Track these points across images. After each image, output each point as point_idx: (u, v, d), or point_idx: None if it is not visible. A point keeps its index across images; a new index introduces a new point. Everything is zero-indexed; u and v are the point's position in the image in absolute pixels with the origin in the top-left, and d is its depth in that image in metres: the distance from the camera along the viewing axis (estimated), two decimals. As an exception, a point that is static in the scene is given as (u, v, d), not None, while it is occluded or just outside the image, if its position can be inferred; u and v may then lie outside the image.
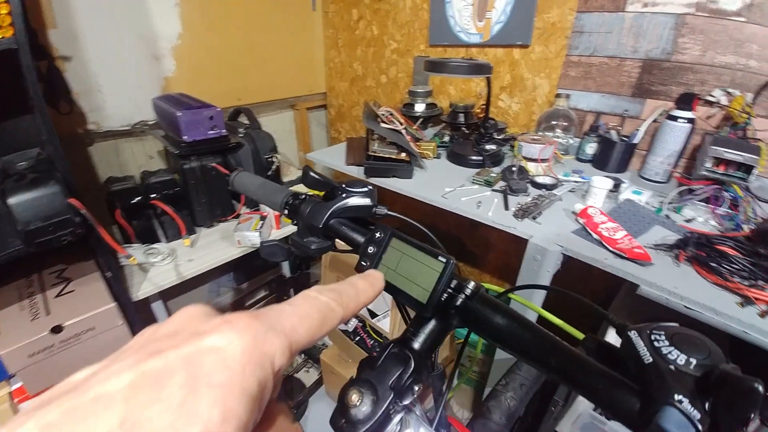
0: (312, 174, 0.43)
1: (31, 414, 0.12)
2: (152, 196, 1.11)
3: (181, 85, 1.44)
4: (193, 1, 1.40)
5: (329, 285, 0.22)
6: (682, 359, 0.22)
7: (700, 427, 0.20)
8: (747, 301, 0.62)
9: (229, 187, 0.56)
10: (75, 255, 1.04)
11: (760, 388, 0.19)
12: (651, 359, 0.23)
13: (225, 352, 0.14)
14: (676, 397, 0.20)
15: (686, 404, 0.20)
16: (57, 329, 0.84)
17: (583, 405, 0.81)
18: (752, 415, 0.21)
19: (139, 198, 1.10)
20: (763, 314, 0.60)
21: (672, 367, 0.22)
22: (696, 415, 0.20)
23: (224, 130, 1.17)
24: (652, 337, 0.24)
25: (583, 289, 1.35)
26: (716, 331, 0.63)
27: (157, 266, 1.08)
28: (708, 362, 0.22)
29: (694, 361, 0.22)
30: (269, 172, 1.32)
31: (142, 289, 1.01)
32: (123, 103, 1.34)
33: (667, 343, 0.23)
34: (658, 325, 0.25)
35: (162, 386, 0.12)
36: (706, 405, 0.21)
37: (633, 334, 0.24)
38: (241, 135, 1.28)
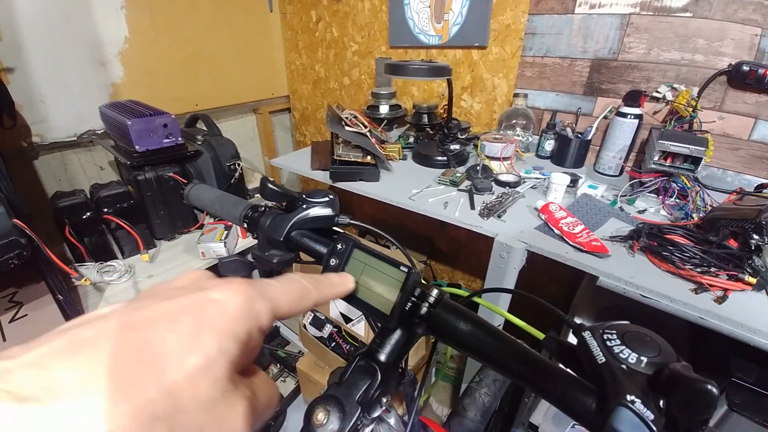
0: (270, 186, 0.42)
1: (65, 331, 0.15)
2: (104, 210, 1.04)
3: (132, 91, 1.37)
4: (140, 3, 1.33)
5: (310, 274, 0.26)
6: (633, 358, 0.23)
7: (654, 427, 0.20)
8: (701, 287, 0.65)
9: (183, 201, 0.53)
10: (24, 277, 0.97)
11: (714, 391, 0.19)
12: (604, 359, 0.23)
13: (223, 304, 0.18)
14: (629, 397, 0.21)
15: (639, 404, 0.21)
16: (15, 356, 0.78)
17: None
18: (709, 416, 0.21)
19: (90, 213, 1.03)
20: (718, 300, 0.63)
21: (624, 366, 0.23)
22: (649, 415, 0.20)
23: (180, 138, 1.12)
24: (605, 336, 0.24)
25: (549, 280, 1.40)
26: (677, 320, 0.65)
27: (114, 285, 1.02)
28: (659, 360, 0.23)
29: (645, 360, 0.23)
30: (232, 180, 1.28)
31: (98, 310, 0.95)
32: (68, 113, 1.26)
33: (618, 341, 0.24)
34: (611, 324, 0.26)
35: (175, 322, 0.16)
36: (661, 402, 0.22)
37: (587, 335, 0.25)
38: (199, 142, 1.23)
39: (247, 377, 0.19)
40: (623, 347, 0.24)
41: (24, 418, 0.12)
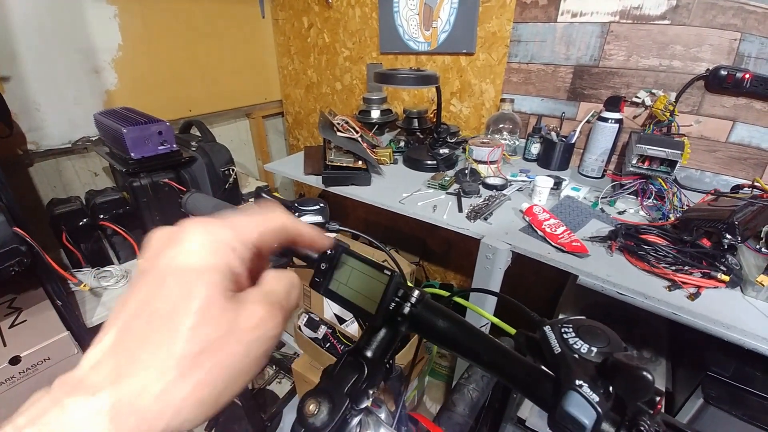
0: (264, 195, 0.45)
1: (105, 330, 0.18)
2: (101, 216, 1.06)
3: (126, 98, 1.39)
4: (132, 11, 1.35)
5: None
6: (584, 348, 0.26)
7: (599, 408, 0.24)
8: (674, 285, 0.68)
9: (181, 209, 0.55)
10: (23, 283, 0.99)
11: (649, 377, 0.22)
12: (559, 349, 0.26)
13: (193, 252, 0.19)
14: (578, 382, 0.24)
15: (586, 388, 0.24)
16: (15, 360, 0.81)
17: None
18: (657, 398, 0.24)
19: (86, 220, 1.05)
20: (691, 297, 0.66)
21: (576, 355, 0.26)
22: (595, 398, 0.23)
23: (175, 145, 1.14)
24: (562, 330, 0.28)
25: (536, 279, 1.43)
26: (656, 316, 0.68)
27: (111, 290, 1.04)
28: (607, 350, 0.26)
29: (594, 350, 0.26)
30: (226, 186, 1.30)
31: (96, 314, 0.97)
32: (62, 120, 1.27)
33: (573, 334, 0.27)
34: (569, 319, 0.29)
35: (162, 287, 0.18)
36: (610, 388, 0.25)
37: (547, 329, 0.28)
38: (193, 149, 1.26)
39: (255, 282, 0.22)
40: (577, 339, 0.27)
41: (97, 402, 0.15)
